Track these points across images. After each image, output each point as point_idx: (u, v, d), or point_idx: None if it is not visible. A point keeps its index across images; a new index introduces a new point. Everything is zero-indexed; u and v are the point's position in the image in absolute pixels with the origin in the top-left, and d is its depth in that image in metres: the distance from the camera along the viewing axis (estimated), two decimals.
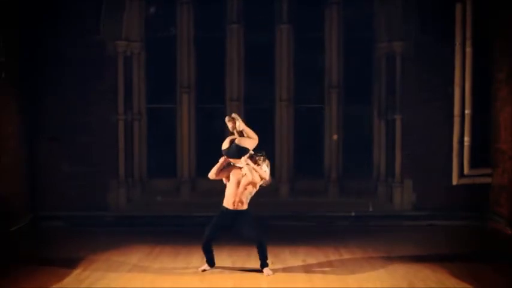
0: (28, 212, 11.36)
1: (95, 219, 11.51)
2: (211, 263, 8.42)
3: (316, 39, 12.11)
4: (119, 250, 9.47)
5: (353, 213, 11.60)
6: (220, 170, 8.31)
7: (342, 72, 12.03)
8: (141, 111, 12.05)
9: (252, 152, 8.23)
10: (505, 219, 10.56)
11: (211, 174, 8.35)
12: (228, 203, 8.34)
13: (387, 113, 11.84)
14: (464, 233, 10.91)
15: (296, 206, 11.78)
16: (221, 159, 8.31)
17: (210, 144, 12.14)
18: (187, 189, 12.04)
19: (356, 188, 11.97)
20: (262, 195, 11.84)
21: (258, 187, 8.23)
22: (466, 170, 11.12)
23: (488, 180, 11.19)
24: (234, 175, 8.27)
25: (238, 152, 8.14)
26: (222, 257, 9.01)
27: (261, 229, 8.40)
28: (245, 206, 8.32)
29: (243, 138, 8.20)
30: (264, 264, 8.20)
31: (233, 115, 8.36)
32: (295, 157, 12.10)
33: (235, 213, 8.27)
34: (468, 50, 11.05)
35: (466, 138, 11.06)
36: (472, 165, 11.14)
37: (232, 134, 8.38)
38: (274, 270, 8.24)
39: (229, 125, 8.30)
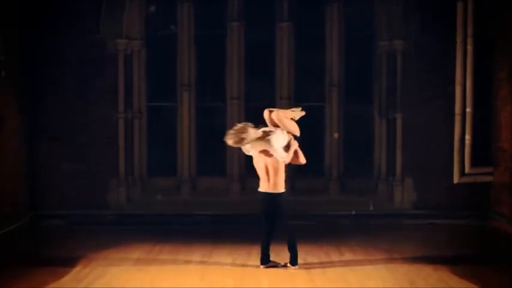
0: (28, 211, 11.34)
1: (95, 218, 11.48)
2: (266, 260, 8.28)
3: (316, 38, 12.08)
4: (119, 248, 9.46)
5: (353, 212, 11.58)
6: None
7: (342, 71, 12.01)
8: (141, 110, 12.02)
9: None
10: (506, 218, 10.53)
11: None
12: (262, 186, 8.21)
13: (388, 112, 11.82)
14: (465, 232, 10.89)
15: (296, 204, 11.72)
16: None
17: (210, 143, 12.18)
18: (188, 188, 12.02)
19: (357, 186, 11.95)
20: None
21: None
22: (467, 169, 11.09)
23: (489, 178, 11.16)
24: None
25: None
26: (222, 255, 9.00)
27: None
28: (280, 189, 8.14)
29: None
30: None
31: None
32: None
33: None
34: (469, 48, 11.02)
35: (467, 137, 11.04)
36: (473, 163, 11.11)
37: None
38: (276, 269, 8.21)
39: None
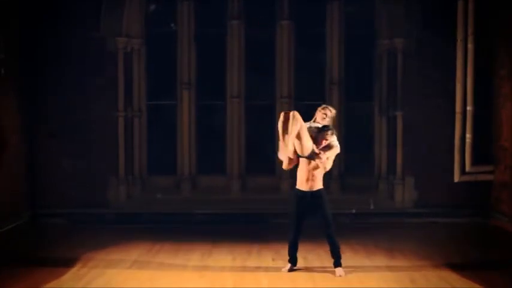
0: (27, 209, 11.32)
1: (94, 216, 11.47)
2: (295, 261, 8.10)
3: (317, 36, 12.06)
4: (118, 247, 9.43)
5: (354, 211, 11.55)
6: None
7: (343, 69, 11.98)
8: (141, 108, 12.00)
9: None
10: (507, 217, 10.51)
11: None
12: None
13: (388, 110, 11.79)
14: (465, 230, 10.87)
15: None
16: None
17: (210, 141, 12.17)
18: (188, 187, 11.99)
19: (357, 185, 11.92)
20: (264, 192, 11.93)
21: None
22: (467, 167, 11.06)
23: (490, 177, 11.14)
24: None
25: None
26: (222, 254, 8.98)
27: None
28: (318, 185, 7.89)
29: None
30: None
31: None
32: None
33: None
34: (470, 46, 10.99)
35: (468, 135, 11.00)
36: (474, 162, 11.08)
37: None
38: (276, 267, 8.18)
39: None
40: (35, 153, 11.52)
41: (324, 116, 8.09)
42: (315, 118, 8.19)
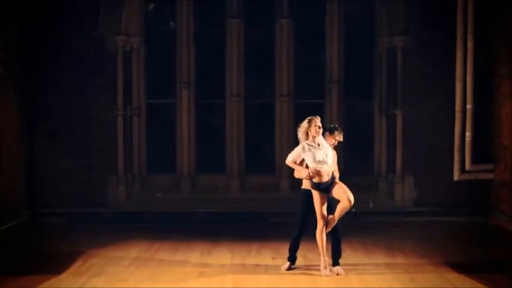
0: (27, 208, 11.31)
1: (94, 215, 11.45)
2: (294, 259, 8.11)
3: (316, 34, 12.06)
4: (118, 245, 9.41)
5: (353, 210, 11.48)
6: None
7: (342, 68, 11.98)
8: (141, 107, 11.98)
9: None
10: (507, 216, 10.49)
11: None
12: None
13: (388, 108, 11.78)
14: (465, 229, 10.86)
15: (297, 202, 11.68)
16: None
17: (209, 140, 12.14)
18: (187, 186, 11.97)
19: (357, 184, 11.83)
20: (263, 191, 11.91)
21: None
22: (467, 166, 11.04)
23: (490, 176, 11.12)
24: None
25: None
26: (222, 253, 8.96)
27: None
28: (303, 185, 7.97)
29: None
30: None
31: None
32: None
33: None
34: (470, 44, 10.97)
35: (468, 134, 10.98)
36: (474, 161, 11.06)
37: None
38: (276, 266, 8.15)
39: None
40: (34, 153, 11.51)
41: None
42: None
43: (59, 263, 8.22)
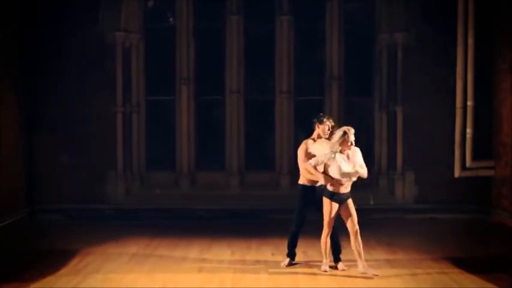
0: (26, 205, 11.27)
1: (93, 212, 11.42)
2: (294, 255, 8.06)
3: (317, 31, 12.03)
4: (117, 242, 9.38)
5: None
6: None
7: (342, 64, 11.95)
8: (140, 103, 11.95)
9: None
10: (508, 212, 10.45)
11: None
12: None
13: (388, 105, 11.74)
14: (466, 226, 10.84)
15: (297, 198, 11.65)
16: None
17: (209, 137, 12.10)
18: (187, 182, 11.93)
19: (357, 180, 11.82)
20: (263, 188, 11.87)
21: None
22: (468, 163, 10.98)
23: (490, 172, 11.07)
24: None
25: None
26: (221, 249, 8.93)
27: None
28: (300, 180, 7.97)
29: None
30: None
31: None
32: (296, 150, 11.92)
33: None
34: (470, 41, 10.92)
35: (468, 130, 10.93)
36: (475, 157, 11.00)
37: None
38: (276, 262, 8.10)
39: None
40: (33, 149, 11.48)
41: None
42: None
43: (57, 260, 8.17)
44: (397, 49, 11.64)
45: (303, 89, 12.08)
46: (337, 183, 7.50)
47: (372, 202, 11.53)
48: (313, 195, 7.88)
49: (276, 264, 8.05)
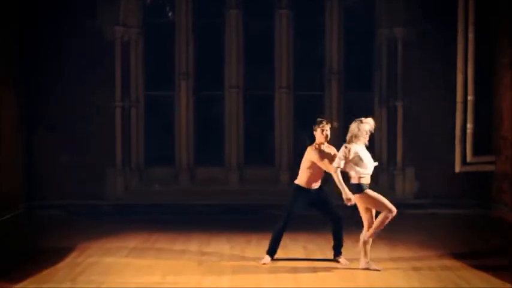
0: (25, 200, 11.23)
1: (92, 208, 11.39)
2: (274, 252, 7.91)
3: (316, 25, 11.99)
4: (116, 237, 9.33)
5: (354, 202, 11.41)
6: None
7: (342, 59, 11.91)
8: (139, 98, 11.90)
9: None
10: (508, 207, 10.42)
11: None
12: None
13: (388, 100, 11.70)
14: (467, 221, 10.80)
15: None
16: None
17: (208, 132, 12.06)
18: (186, 178, 11.88)
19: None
20: (262, 183, 11.82)
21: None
22: (468, 158, 10.95)
23: (491, 167, 11.04)
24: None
25: None
26: (220, 244, 8.88)
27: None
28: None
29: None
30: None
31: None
32: (295, 145, 11.91)
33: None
34: (471, 36, 10.88)
35: (469, 125, 10.89)
36: (475, 152, 10.98)
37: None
38: (276, 258, 8.06)
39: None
40: (32, 145, 11.45)
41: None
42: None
43: (55, 254, 8.11)
44: (397, 44, 11.61)
45: (302, 84, 12.04)
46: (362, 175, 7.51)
47: None
48: (307, 197, 7.81)
49: (276, 260, 7.96)
